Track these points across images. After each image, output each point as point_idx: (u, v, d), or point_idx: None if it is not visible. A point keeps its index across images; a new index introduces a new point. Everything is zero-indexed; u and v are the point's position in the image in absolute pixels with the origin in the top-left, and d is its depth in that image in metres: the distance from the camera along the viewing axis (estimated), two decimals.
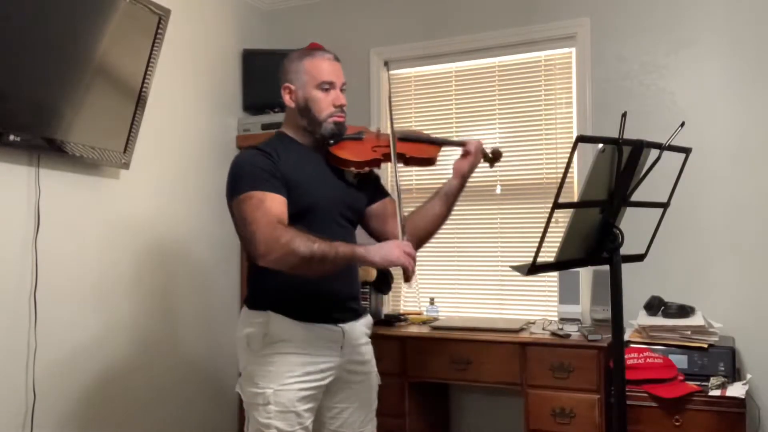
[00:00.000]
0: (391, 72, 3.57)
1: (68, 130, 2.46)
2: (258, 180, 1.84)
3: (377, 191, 2.15)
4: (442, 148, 2.18)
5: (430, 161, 2.13)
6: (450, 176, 2.12)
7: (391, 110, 2.21)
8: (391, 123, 2.02)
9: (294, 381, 1.87)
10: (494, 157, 2.20)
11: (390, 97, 2.29)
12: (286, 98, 2.00)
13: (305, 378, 1.89)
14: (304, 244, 1.72)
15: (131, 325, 2.87)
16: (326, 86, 1.96)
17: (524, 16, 3.22)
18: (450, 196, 2.07)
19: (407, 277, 1.78)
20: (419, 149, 2.11)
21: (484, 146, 2.15)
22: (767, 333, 2.72)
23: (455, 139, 2.15)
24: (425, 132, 2.27)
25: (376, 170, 2.13)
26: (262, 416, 1.86)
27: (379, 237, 2.10)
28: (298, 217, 1.85)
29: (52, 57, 2.36)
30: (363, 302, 2.66)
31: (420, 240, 2.06)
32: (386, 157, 2.01)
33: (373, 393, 2.08)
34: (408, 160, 2.09)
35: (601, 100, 3.05)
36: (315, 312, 1.92)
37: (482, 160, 2.16)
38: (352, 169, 2.00)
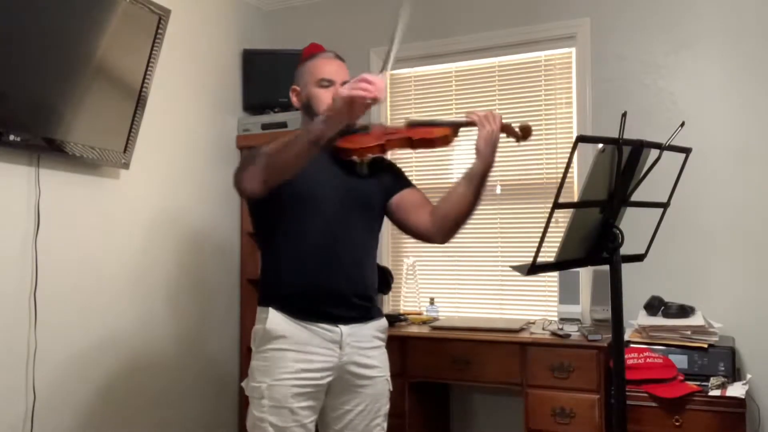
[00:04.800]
0: (391, 72, 3.57)
1: (68, 130, 2.47)
2: (254, 155, 1.90)
3: (396, 183, 2.10)
4: (461, 130, 2.05)
5: (438, 141, 2.03)
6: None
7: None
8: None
9: (288, 377, 1.89)
10: (523, 134, 2.03)
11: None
12: (294, 100, 2.08)
13: (300, 375, 1.90)
14: (268, 145, 1.82)
15: (131, 324, 2.87)
16: (325, 83, 2.01)
17: (524, 16, 3.22)
18: (473, 176, 1.95)
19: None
20: (426, 131, 2.04)
21: (506, 121, 1.99)
22: (767, 333, 2.72)
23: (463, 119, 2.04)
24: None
25: (388, 157, 2.09)
26: (257, 410, 1.90)
27: (405, 230, 2.10)
28: (296, 203, 1.92)
29: (52, 57, 2.36)
30: None
31: (448, 221, 2.01)
32: (390, 143, 2.00)
33: (381, 398, 2.04)
34: (414, 143, 2.04)
35: (601, 100, 3.05)
36: (313, 311, 1.93)
37: (508, 135, 2.01)
38: (354, 157, 2.00)
